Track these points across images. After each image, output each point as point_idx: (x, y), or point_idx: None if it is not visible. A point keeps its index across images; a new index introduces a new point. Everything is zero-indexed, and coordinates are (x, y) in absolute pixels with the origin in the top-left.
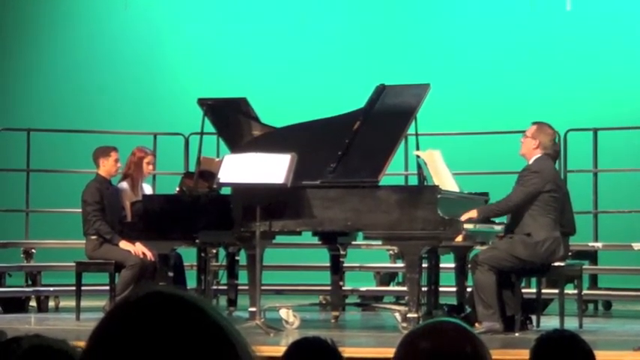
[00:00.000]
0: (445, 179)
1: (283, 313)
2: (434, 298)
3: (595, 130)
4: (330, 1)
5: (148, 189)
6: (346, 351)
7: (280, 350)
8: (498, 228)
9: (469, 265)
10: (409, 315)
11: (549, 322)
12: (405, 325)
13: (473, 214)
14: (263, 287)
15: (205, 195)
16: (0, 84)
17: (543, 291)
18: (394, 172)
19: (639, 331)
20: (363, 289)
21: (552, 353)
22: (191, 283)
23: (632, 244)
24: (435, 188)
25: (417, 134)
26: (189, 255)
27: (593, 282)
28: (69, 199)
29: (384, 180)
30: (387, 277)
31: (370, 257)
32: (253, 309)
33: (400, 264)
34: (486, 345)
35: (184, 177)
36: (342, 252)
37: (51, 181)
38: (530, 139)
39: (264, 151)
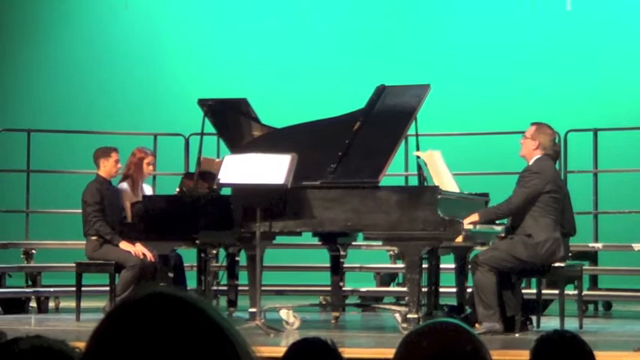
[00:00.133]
0: (445, 180)
1: (283, 313)
2: (434, 299)
3: (595, 131)
4: (330, 2)
5: (148, 189)
6: (346, 352)
7: (280, 351)
8: (498, 229)
9: (469, 266)
10: (409, 315)
11: (549, 323)
12: (405, 325)
13: (475, 217)
14: (263, 288)
15: (205, 196)
16: (0, 84)
17: (543, 292)
18: (394, 173)
19: (639, 332)
20: (363, 289)
21: (552, 354)
22: (191, 283)
23: (633, 245)
24: (436, 189)
25: (417, 135)
26: (189, 256)
27: (594, 283)
28: (69, 199)
29: (385, 180)
30: (387, 277)
31: (370, 258)
32: (253, 310)
33: (400, 264)
34: (486, 345)
35: (184, 177)
36: (342, 252)
37: (51, 181)
38: (530, 140)
39: (265, 151)
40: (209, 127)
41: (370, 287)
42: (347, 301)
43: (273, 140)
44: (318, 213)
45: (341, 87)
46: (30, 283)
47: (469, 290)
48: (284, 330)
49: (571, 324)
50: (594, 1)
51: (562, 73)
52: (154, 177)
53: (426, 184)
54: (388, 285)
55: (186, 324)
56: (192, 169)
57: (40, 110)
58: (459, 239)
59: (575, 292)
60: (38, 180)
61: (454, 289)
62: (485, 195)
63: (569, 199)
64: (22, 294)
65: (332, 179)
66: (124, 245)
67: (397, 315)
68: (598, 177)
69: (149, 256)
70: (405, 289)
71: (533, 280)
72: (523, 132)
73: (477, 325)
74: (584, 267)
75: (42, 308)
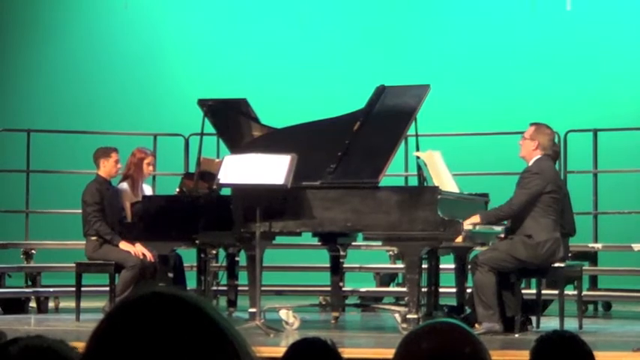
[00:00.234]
0: (445, 180)
1: (283, 313)
2: (434, 299)
3: (595, 131)
4: (331, 2)
5: (148, 190)
6: (346, 352)
7: (280, 351)
8: (498, 229)
9: (469, 266)
10: (409, 316)
11: (549, 323)
12: (404, 325)
13: (476, 219)
14: (263, 288)
15: (205, 196)
16: (0, 84)
17: (543, 292)
18: (394, 173)
19: (639, 332)
20: (363, 289)
21: (552, 354)
22: (191, 283)
23: (632, 245)
24: (435, 189)
25: (417, 135)
26: (189, 256)
27: (593, 283)
28: (69, 199)
29: (384, 181)
30: (387, 277)
31: (370, 258)
32: (253, 310)
33: (400, 265)
34: (486, 346)
35: (184, 178)
36: (342, 253)
37: (51, 181)
38: (529, 140)
39: (264, 151)
40: (209, 128)
41: (370, 287)
42: (347, 302)
43: (273, 140)
44: (317, 213)
45: (341, 87)
46: (30, 283)
47: (469, 290)
48: (284, 330)
49: (571, 324)
50: (594, 1)
51: (562, 73)
52: (154, 177)
53: (425, 184)
54: (388, 285)
55: (185, 324)
56: (192, 169)
57: (39, 110)
58: (459, 239)
59: (575, 292)
60: (38, 180)
61: (454, 290)
62: (485, 195)
63: (569, 200)
64: (22, 294)
65: (332, 179)
66: (124, 245)
67: (397, 315)
68: (598, 177)
69: (149, 256)
70: (404, 289)
71: (533, 281)
72: (523, 132)
73: (476, 325)
74: (583, 267)
75: (42, 308)
